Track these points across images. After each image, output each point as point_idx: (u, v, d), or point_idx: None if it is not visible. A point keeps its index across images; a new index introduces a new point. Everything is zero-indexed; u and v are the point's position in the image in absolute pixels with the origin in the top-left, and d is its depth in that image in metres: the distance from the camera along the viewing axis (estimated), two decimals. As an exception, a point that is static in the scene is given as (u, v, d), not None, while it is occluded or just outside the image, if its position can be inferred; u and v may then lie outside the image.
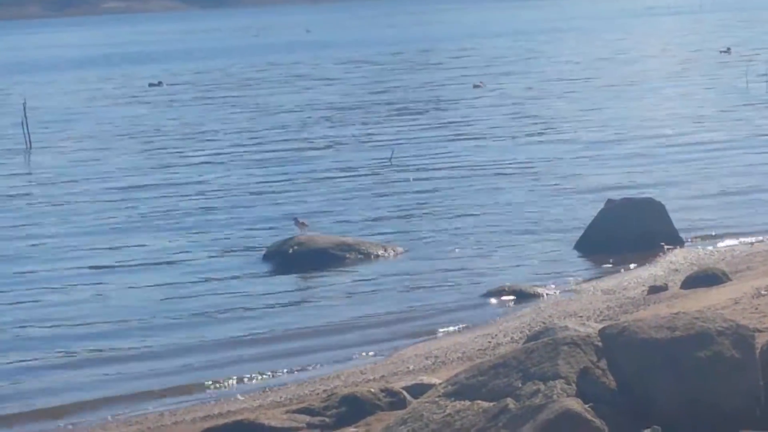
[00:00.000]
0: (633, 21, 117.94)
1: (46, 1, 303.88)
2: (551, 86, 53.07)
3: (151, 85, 66.31)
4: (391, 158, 33.26)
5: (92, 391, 15.62)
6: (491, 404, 10.19)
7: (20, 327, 18.65)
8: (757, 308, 14.19)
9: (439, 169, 31.60)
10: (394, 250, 22.31)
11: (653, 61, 64.67)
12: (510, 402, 10.06)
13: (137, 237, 24.93)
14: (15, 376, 16.27)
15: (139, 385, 15.76)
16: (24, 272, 22.26)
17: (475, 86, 54.56)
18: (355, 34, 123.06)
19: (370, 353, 16.62)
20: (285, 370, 16.05)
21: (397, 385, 12.88)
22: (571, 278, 20.01)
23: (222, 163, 35.08)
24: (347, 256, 21.94)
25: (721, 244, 21.70)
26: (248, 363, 16.39)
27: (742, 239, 22.01)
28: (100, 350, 17.29)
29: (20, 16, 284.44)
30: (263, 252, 22.52)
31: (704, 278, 18.17)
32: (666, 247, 21.57)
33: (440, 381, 11.73)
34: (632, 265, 20.65)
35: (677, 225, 22.20)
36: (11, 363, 16.84)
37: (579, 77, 56.81)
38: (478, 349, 15.83)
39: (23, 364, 16.80)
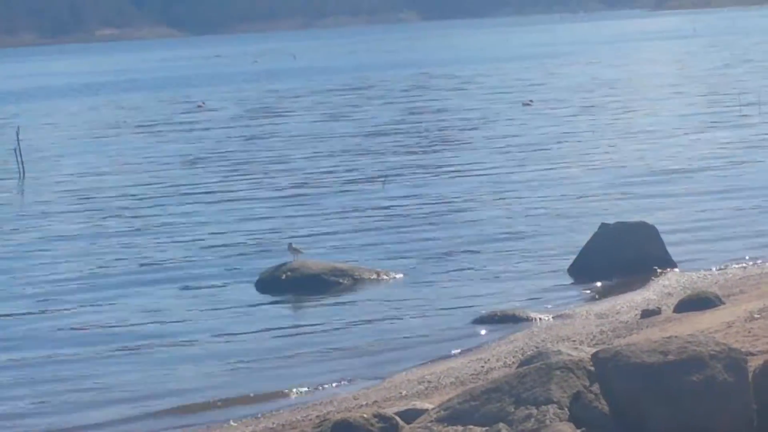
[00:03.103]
0: (640, 45, 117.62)
1: (40, 28, 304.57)
2: (561, 113, 52.36)
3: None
4: (384, 184, 33.26)
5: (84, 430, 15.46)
6: (484, 429, 10.17)
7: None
8: (750, 332, 14.17)
9: (433, 195, 31.58)
10: (387, 276, 22.29)
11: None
12: (503, 427, 10.04)
13: (128, 259, 24.94)
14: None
15: (130, 413, 15.69)
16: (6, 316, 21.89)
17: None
18: (355, 59, 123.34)
19: (363, 379, 16.56)
20: (277, 396, 15.99)
21: (390, 410, 12.80)
22: (563, 302, 19.99)
23: (216, 190, 35.09)
24: (340, 281, 21.92)
25: (714, 268, 21.66)
26: (240, 389, 16.32)
27: (735, 263, 21.99)
28: (90, 389, 17.03)
29: (14, 44, 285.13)
30: (257, 277, 22.47)
31: (697, 302, 18.13)
32: (659, 270, 21.55)
33: (433, 406, 11.71)
34: (625, 289, 20.61)
35: (670, 249, 22.18)
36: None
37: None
38: (471, 374, 15.79)
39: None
